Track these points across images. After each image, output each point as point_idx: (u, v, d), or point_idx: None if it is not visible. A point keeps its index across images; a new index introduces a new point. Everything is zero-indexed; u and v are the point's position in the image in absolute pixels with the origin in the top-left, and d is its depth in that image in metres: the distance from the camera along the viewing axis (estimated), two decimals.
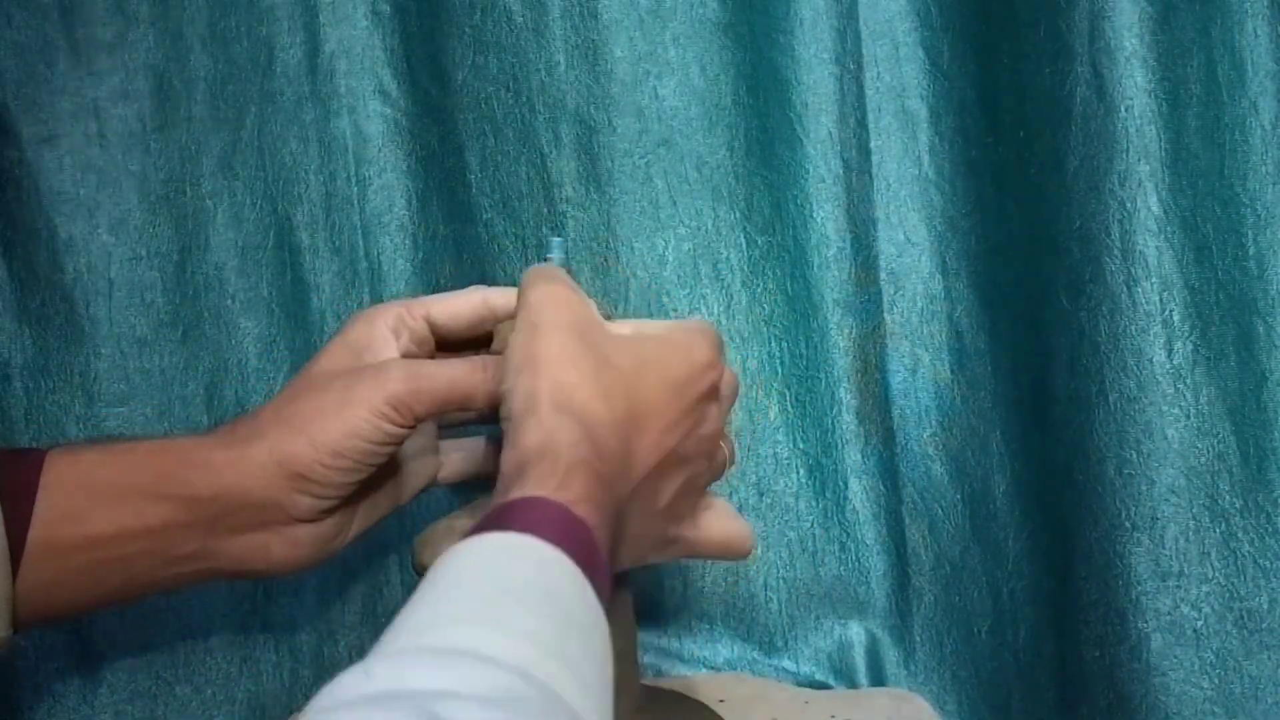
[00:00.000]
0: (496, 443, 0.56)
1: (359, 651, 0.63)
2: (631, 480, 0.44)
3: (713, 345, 0.48)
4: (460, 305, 0.52)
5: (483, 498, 0.53)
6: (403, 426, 0.48)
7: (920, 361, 0.64)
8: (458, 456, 0.56)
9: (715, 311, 0.63)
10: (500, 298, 0.52)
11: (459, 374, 0.48)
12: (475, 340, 0.53)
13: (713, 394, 0.47)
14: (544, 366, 0.43)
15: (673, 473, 0.46)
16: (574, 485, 0.40)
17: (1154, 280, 0.56)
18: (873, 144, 0.64)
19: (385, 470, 0.51)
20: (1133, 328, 0.56)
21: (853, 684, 0.65)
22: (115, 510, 0.46)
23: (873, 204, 0.64)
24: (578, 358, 0.44)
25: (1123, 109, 0.55)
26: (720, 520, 0.50)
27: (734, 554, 0.50)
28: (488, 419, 0.49)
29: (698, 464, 0.47)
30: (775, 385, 0.64)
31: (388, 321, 0.51)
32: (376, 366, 0.49)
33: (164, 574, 0.48)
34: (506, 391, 0.43)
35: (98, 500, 0.46)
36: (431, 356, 0.52)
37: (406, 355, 0.51)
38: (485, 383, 0.48)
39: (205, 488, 0.47)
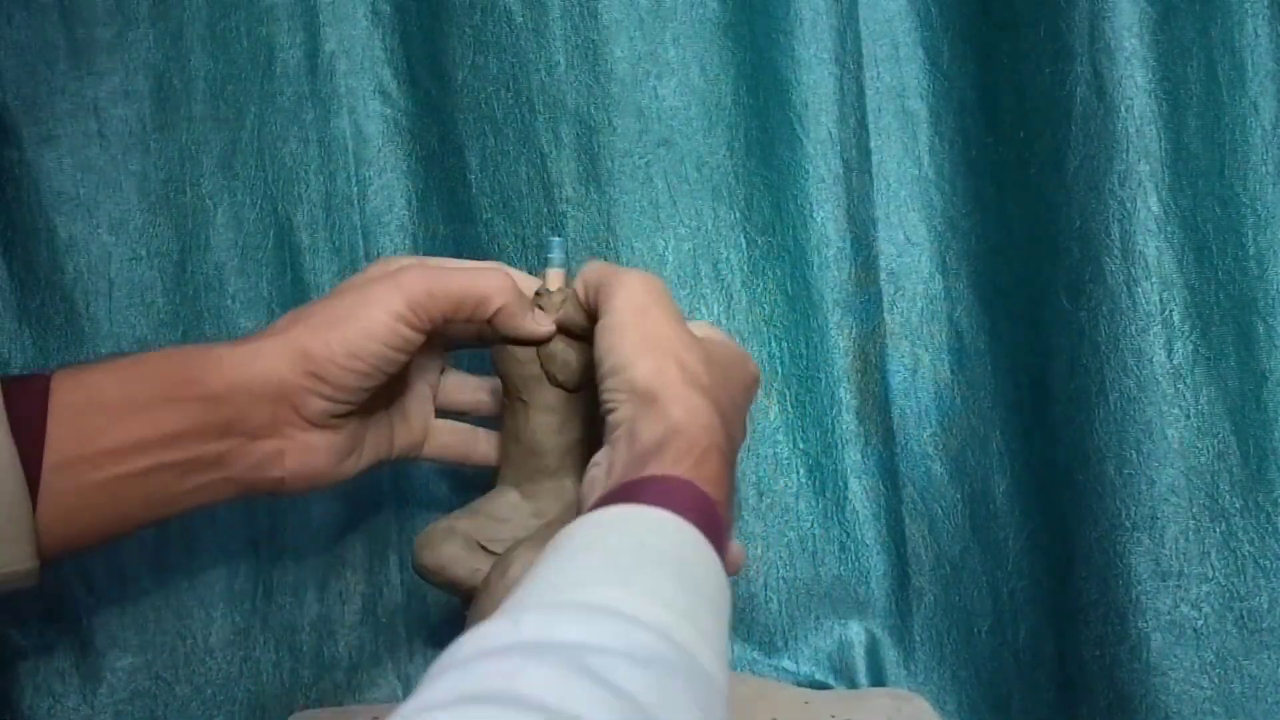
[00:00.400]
0: (488, 433, 0.56)
1: (359, 651, 0.63)
2: (734, 469, 0.46)
3: (754, 361, 0.51)
4: (481, 266, 0.53)
5: (483, 500, 0.53)
6: (418, 329, 0.48)
7: (920, 361, 0.64)
8: (448, 433, 0.57)
9: (715, 311, 0.63)
10: (523, 278, 0.53)
11: (477, 276, 0.49)
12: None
13: None
14: (669, 347, 0.45)
15: (734, 476, 0.48)
16: (707, 466, 0.41)
17: (1154, 280, 0.56)
18: (873, 144, 0.64)
19: (379, 418, 0.53)
20: (1133, 327, 0.56)
21: (853, 684, 0.65)
22: (128, 422, 0.46)
23: (873, 204, 0.64)
24: (692, 346, 0.46)
25: (1123, 109, 0.55)
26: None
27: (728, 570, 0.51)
28: (490, 339, 0.51)
29: None
30: (775, 385, 0.64)
31: (406, 263, 0.51)
32: (394, 270, 0.49)
33: (182, 487, 0.47)
34: (624, 365, 0.44)
35: (110, 415, 0.46)
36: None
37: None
38: (503, 284, 0.49)
39: (219, 385, 0.47)
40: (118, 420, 0.46)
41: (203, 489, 0.48)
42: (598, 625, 0.32)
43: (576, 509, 0.50)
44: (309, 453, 0.49)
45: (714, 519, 0.40)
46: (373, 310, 0.48)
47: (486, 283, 0.49)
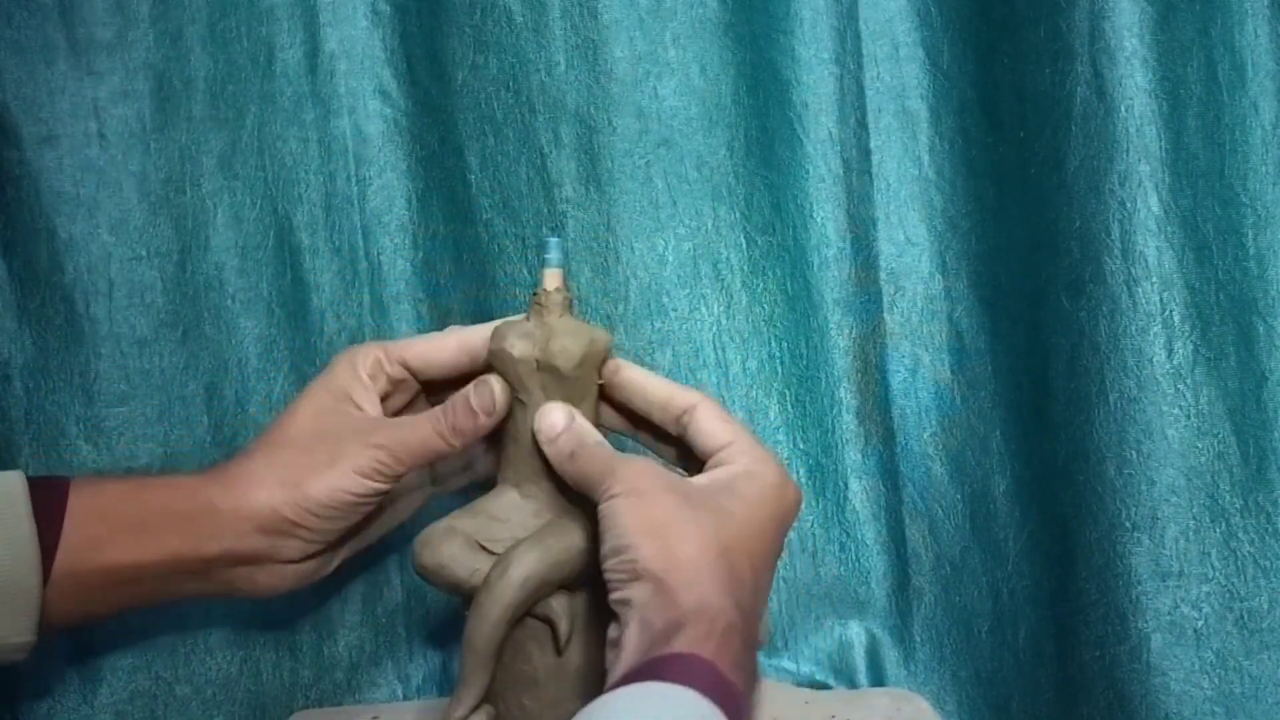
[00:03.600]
0: (492, 449, 0.57)
1: (359, 651, 0.63)
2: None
3: (788, 478, 0.50)
4: (435, 349, 0.55)
5: (483, 500, 0.53)
6: (389, 482, 0.52)
7: (920, 361, 0.64)
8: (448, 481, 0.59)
9: (715, 311, 0.63)
10: (475, 336, 0.54)
11: (426, 436, 0.52)
12: (455, 380, 0.54)
13: None
14: (667, 528, 0.44)
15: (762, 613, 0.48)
16: (729, 652, 0.41)
17: (1154, 280, 0.56)
18: (873, 144, 0.64)
19: (369, 525, 0.56)
20: (1133, 327, 0.56)
21: (853, 684, 0.65)
22: (131, 543, 0.50)
23: (873, 204, 0.64)
24: (694, 520, 0.45)
25: (1123, 109, 0.55)
26: None
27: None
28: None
29: None
30: (775, 385, 0.64)
31: (366, 367, 0.54)
32: (358, 427, 0.52)
33: (164, 595, 0.53)
34: (625, 548, 0.44)
35: (115, 532, 0.50)
36: (414, 395, 0.56)
37: (384, 397, 0.54)
38: (451, 439, 0.52)
39: (208, 531, 0.51)
40: (121, 538, 0.50)
41: (183, 593, 0.53)
42: None
43: (579, 511, 0.50)
44: (280, 578, 0.53)
45: (734, 703, 0.40)
46: (342, 469, 0.51)
47: (440, 440, 0.52)
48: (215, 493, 0.52)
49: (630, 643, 0.43)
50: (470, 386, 0.52)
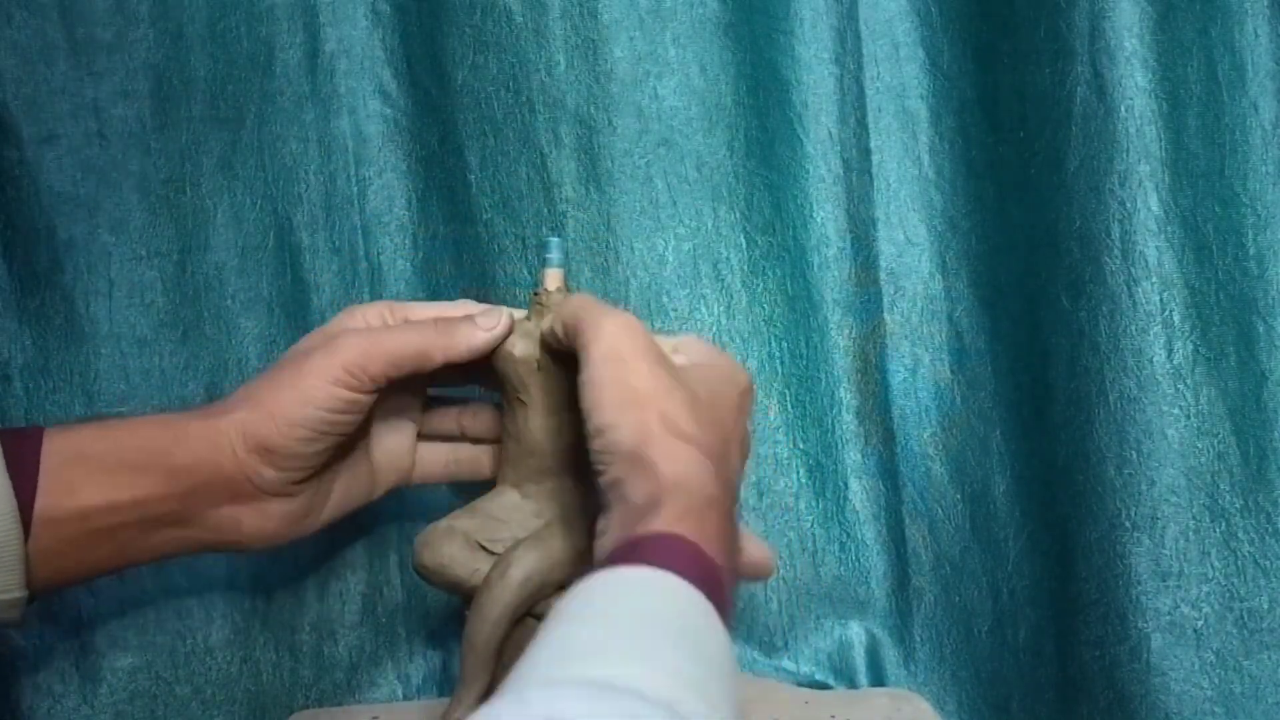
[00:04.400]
0: (485, 449, 0.56)
1: (359, 651, 0.63)
2: (734, 526, 0.46)
3: (740, 365, 0.50)
4: (443, 310, 0.54)
5: (483, 500, 0.53)
6: (360, 392, 0.50)
7: (920, 361, 0.64)
8: (436, 457, 0.57)
9: (715, 311, 0.63)
10: (484, 315, 0.53)
11: (410, 336, 0.51)
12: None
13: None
14: (649, 399, 0.44)
15: (738, 496, 0.47)
16: (708, 525, 0.41)
17: (1154, 280, 0.56)
18: (873, 144, 0.64)
19: (357, 460, 0.54)
20: (1133, 327, 0.56)
21: (853, 684, 0.65)
22: (105, 483, 0.49)
23: (873, 204, 0.64)
24: (672, 389, 0.45)
25: (1123, 109, 0.55)
26: (748, 541, 0.50)
27: (762, 574, 0.51)
28: (452, 380, 0.52)
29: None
30: (775, 385, 0.64)
31: (370, 317, 0.53)
32: (331, 338, 0.51)
33: (147, 543, 0.50)
34: (607, 426, 0.44)
35: (90, 474, 0.49)
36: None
37: None
38: (437, 339, 0.50)
39: (183, 460, 0.49)
40: (96, 479, 0.49)
41: (166, 544, 0.51)
42: (604, 702, 0.32)
43: (579, 511, 0.50)
44: (265, 519, 0.51)
45: (716, 580, 0.40)
46: (308, 379, 0.49)
47: (421, 340, 0.50)
48: (191, 424, 0.50)
49: (613, 524, 0.43)
50: (482, 313, 0.52)
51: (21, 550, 0.47)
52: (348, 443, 0.53)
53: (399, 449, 0.56)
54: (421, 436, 0.57)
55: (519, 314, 0.53)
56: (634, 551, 0.40)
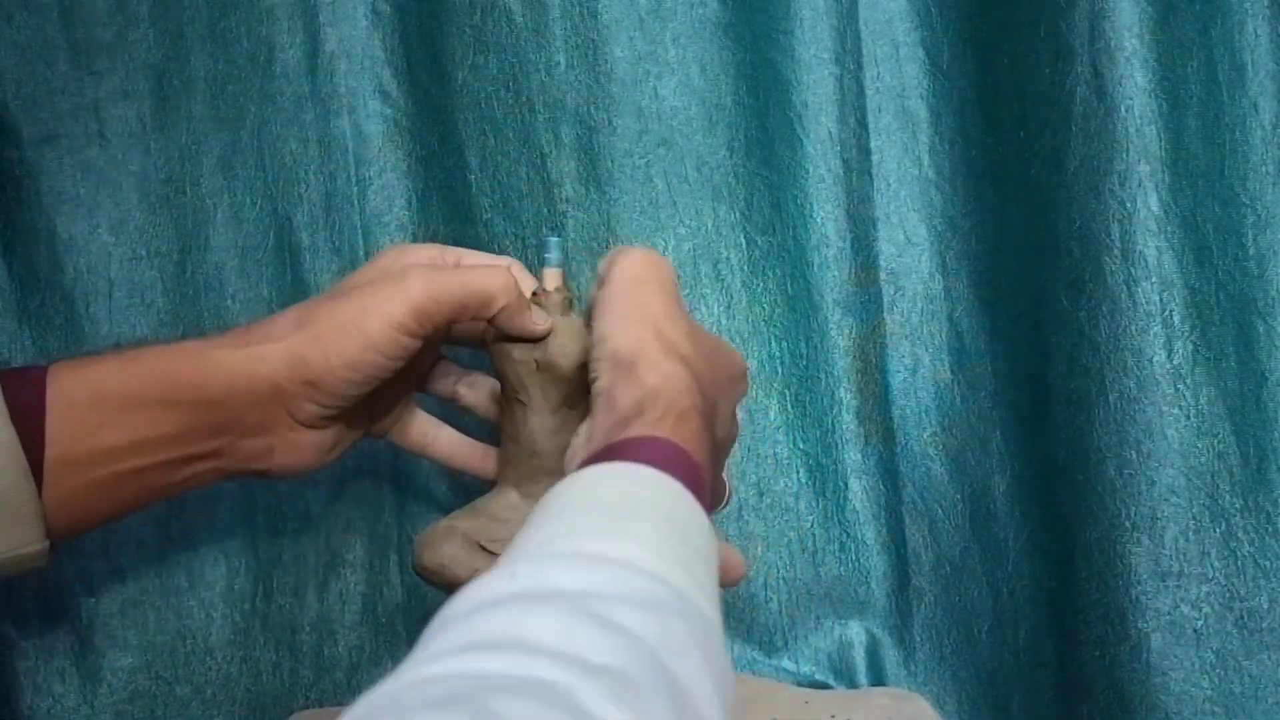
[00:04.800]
0: (486, 445, 0.57)
1: (359, 651, 0.63)
2: (717, 442, 0.46)
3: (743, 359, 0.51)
4: (490, 263, 0.54)
5: (483, 500, 0.53)
6: (418, 336, 0.49)
7: (920, 361, 0.64)
8: (448, 436, 0.57)
9: (715, 311, 0.63)
10: (526, 276, 0.53)
11: (482, 277, 0.49)
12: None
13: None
14: (652, 318, 0.45)
15: (721, 463, 0.48)
16: (686, 428, 0.42)
17: (1154, 280, 0.56)
18: (873, 144, 0.64)
19: (372, 401, 0.52)
20: (1133, 327, 0.56)
21: (853, 684, 0.65)
22: (128, 421, 0.47)
23: (873, 204, 0.64)
24: (678, 317, 0.46)
25: (1123, 109, 0.55)
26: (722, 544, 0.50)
27: (730, 578, 0.50)
28: (488, 338, 0.51)
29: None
30: (775, 385, 0.64)
31: (420, 256, 0.53)
32: (397, 274, 0.50)
33: (174, 478, 0.49)
34: (608, 335, 0.45)
35: (110, 413, 0.47)
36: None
37: None
38: (506, 283, 0.49)
39: (217, 389, 0.48)
40: (117, 418, 0.47)
41: (194, 478, 0.50)
42: (594, 573, 0.33)
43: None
44: (296, 450, 0.51)
45: (696, 475, 0.40)
46: (375, 321, 0.48)
47: (491, 283, 0.49)
48: (224, 351, 0.48)
49: (596, 428, 0.43)
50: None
51: (36, 502, 0.45)
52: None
53: (395, 398, 0.55)
54: (419, 389, 0.57)
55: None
56: (614, 453, 0.40)
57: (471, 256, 0.54)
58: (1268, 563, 0.56)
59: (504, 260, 0.54)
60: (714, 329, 0.63)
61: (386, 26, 0.63)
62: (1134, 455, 0.56)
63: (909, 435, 0.65)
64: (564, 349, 0.51)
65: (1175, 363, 0.56)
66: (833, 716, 0.59)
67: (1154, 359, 0.56)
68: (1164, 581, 0.56)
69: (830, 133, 0.63)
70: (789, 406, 0.64)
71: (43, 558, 0.47)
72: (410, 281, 0.49)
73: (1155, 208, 0.55)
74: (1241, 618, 0.56)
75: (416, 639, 0.66)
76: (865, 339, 0.64)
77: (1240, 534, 0.56)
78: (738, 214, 0.63)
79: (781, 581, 0.65)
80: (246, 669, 0.62)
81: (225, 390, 0.48)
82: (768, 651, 0.65)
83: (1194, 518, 0.56)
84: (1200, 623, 0.56)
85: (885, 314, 0.64)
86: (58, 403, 0.46)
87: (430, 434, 0.57)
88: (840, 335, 0.64)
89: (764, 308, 0.64)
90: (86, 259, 0.59)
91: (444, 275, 0.50)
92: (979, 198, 0.63)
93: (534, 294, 0.52)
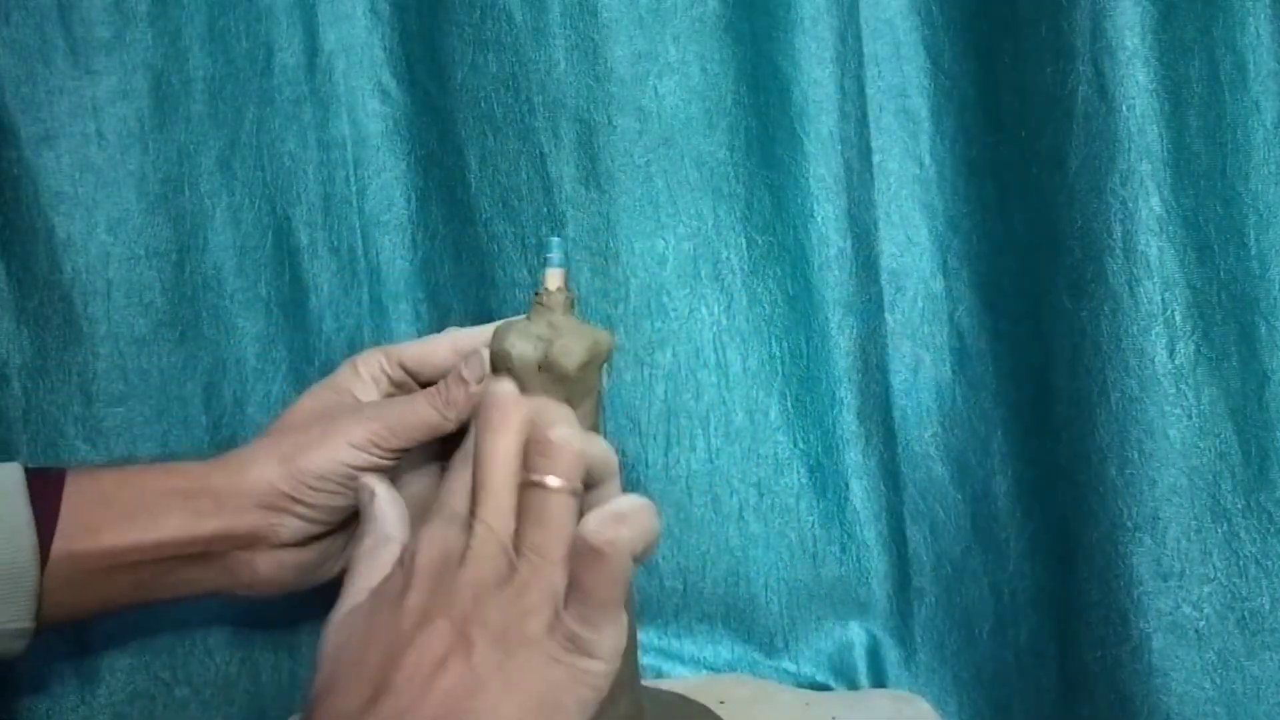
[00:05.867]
0: None
1: None
2: None
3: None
4: (431, 351, 0.55)
5: None
6: (380, 460, 0.52)
7: (921, 361, 0.64)
8: None
9: (715, 311, 0.63)
10: (469, 338, 0.55)
11: (423, 411, 0.52)
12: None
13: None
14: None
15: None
16: None
17: (1156, 280, 0.55)
18: (874, 143, 0.63)
19: None
20: (1134, 327, 0.56)
21: (853, 685, 0.65)
22: (129, 525, 0.51)
23: (874, 204, 0.64)
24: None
25: (1124, 108, 0.55)
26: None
27: (601, 470, 0.45)
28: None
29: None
30: (775, 385, 0.64)
31: (370, 369, 0.55)
32: (355, 407, 0.54)
33: (166, 581, 0.52)
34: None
35: (114, 516, 0.51)
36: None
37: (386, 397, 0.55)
38: (445, 413, 0.52)
39: (206, 503, 0.51)
40: (120, 521, 0.51)
41: (184, 584, 0.53)
42: None
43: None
44: (279, 567, 0.53)
45: None
46: (338, 439, 0.51)
47: (429, 414, 0.52)
48: (214, 473, 0.52)
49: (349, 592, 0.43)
50: (461, 360, 0.53)
51: (37, 584, 0.49)
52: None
53: (420, 497, 0.56)
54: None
55: (518, 318, 0.53)
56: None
57: (413, 350, 0.55)
58: (1270, 563, 0.56)
59: (444, 339, 0.55)
60: (714, 329, 0.63)
61: (386, 26, 0.63)
62: (1136, 455, 0.56)
63: (910, 435, 0.65)
64: (566, 349, 0.51)
65: (1177, 363, 0.56)
66: (833, 717, 0.59)
67: (1156, 359, 0.56)
68: (1166, 582, 0.56)
69: (831, 132, 0.63)
70: (789, 406, 0.64)
71: (23, 638, 0.49)
72: (366, 413, 0.52)
73: (1157, 207, 0.55)
74: (1243, 618, 0.56)
75: None
76: (866, 339, 0.64)
77: (1242, 534, 0.56)
78: (738, 214, 0.63)
79: (782, 582, 0.65)
80: (246, 669, 0.62)
81: (212, 507, 0.51)
82: (768, 652, 0.65)
83: (1196, 518, 0.56)
84: (1202, 623, 0.56)
85: (886, 314, 0.64)
86: (70, 500, 0.50)
87: None
88: (841, 335, 0.64)
89: (764, 308, 0.64)
90: (85, 259, 0.59)
91: (393, 408, 0.53)
92: (980, 198, 0.63)
93: (536, 294, 0.52)
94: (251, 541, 0.52)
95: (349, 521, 0.54)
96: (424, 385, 0.56)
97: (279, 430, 0.54)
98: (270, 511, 0.51)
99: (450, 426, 0.52)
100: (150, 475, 0.52)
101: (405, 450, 0.52)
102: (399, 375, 0.55)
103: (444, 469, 0.56)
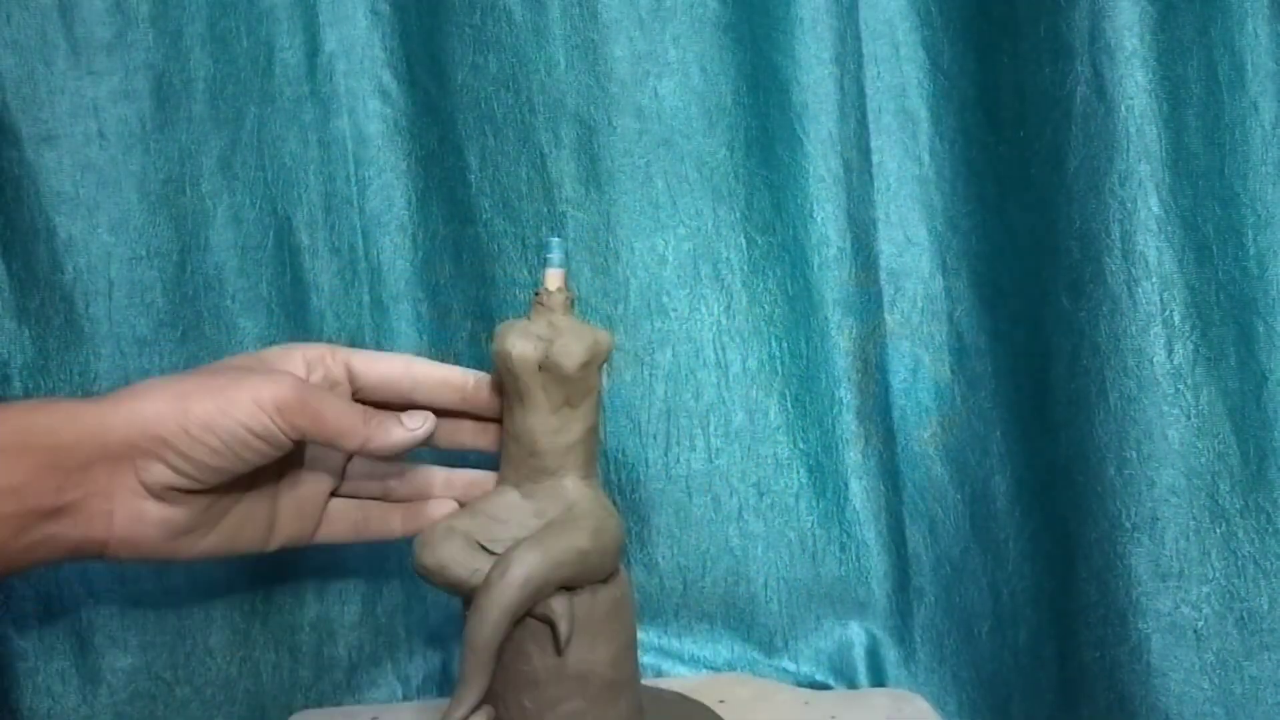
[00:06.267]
0: (396, 508, 0.56)
1: (359, 651, 0.63)
2: None
3: None
4: (383, 363, 0.54)
5: (483, 500, 0.53)
6: (279, 432, 0.48)
7: (920, 361, 0.64)
8: (345, 515, 0.56)
9: (715, 311, 0.63)
10: (424, 368, 0.54)
11: (344, 410, 0.50)
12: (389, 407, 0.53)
13: None
14: None
15: None
16: None
17: (1154, 280, 0.56)
18: (873, 144, 0.64)
19: (258, 501, 0.52)
20: (1133, 328, 0.56)
21: (853, 684, 0.65)
22: None
23: (873, 204, 0.64)
24: None
25: (1123, 108, 0.55)
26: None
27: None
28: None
29: None
30: (775, 385, 0.64)
31: (307, 355, 0.53)
32: (273, 371, 0.50)
33: (18, 544, 0.47)
34: None
35: None
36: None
37: None
38: (363, 431, 0.50)
39: (67, 434, 0.47)
40: None
41: (37, 546, 0.47)
42: None
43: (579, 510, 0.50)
44: (139, 522, 0.48)
45: None
46: (241, 393, 0.48)
47: (351, 422, 0.50)
48: (83, 404, 0.48)
49: None
50: (412, 383, 0.52)
51: None
52: (253, 479, 0.51)
53: (308, 502, 0.55)
54: (337, 494, 0.56)
55: (518, 320, 0.53)
56: None
57: (363, 356, 0.54)
58: (1268, 563, 0.56)
59: (399, 358, 0.54)
60: (714, 329, 0.63)
61: (386, 26, 0.63)
62: (1134, 455, 0.56)
63: (909, 435, 0.65)
64: (566, 349, 0.51)
65: (1175, 363, 0.56)
66: (833, 717, 0.59)
67: (1154, 359, 0.56)
68: (1164, 582, 0.56)
69: (830, 133, 0.63)
70: (789, 406, 0.64)
71: None
72: (285, 378, 0.49)
73: (1155, 207, 0.55)
74: (1242, 618, 0.56)
75: (416, 639, 0.67)
76: (865, 339, 0.64)
77: (1241, 534, 0.56)
78: (738, 214, 0.63)
79: (781, 582, 0.65)
80: (246, 669, 0.62)
81: (74, 436, 0.47)
82: (768, 652, 0.65)
83: (1194, 518, 0.56)
84: (1201, 623, 0.56)
85: (885, 314, 0.64)
86: None
87: (358, 517, 0.56)
88: (840, 335, 0.64)
89: (764, 308, 0.64)
90: (86, 259, 0.59)
91: (316, 390, 0.50)
92: (979, 198, 0.63)
93: (536, 294, 0.53)
94: (110, 484, 0.47)
95: (232, 493, 0.51)
96: (359, 398, 0.54)
97: (177, 374, 0.50)
98: (138, 448, 0.47)
99: (354, 447, 0.50)
100: (12, 412, 0.47)
101: (301, 441, 0.49)
102: (338, 374, 0.53)
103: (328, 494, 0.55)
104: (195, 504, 0.50)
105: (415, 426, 0.51)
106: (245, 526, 0.53)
